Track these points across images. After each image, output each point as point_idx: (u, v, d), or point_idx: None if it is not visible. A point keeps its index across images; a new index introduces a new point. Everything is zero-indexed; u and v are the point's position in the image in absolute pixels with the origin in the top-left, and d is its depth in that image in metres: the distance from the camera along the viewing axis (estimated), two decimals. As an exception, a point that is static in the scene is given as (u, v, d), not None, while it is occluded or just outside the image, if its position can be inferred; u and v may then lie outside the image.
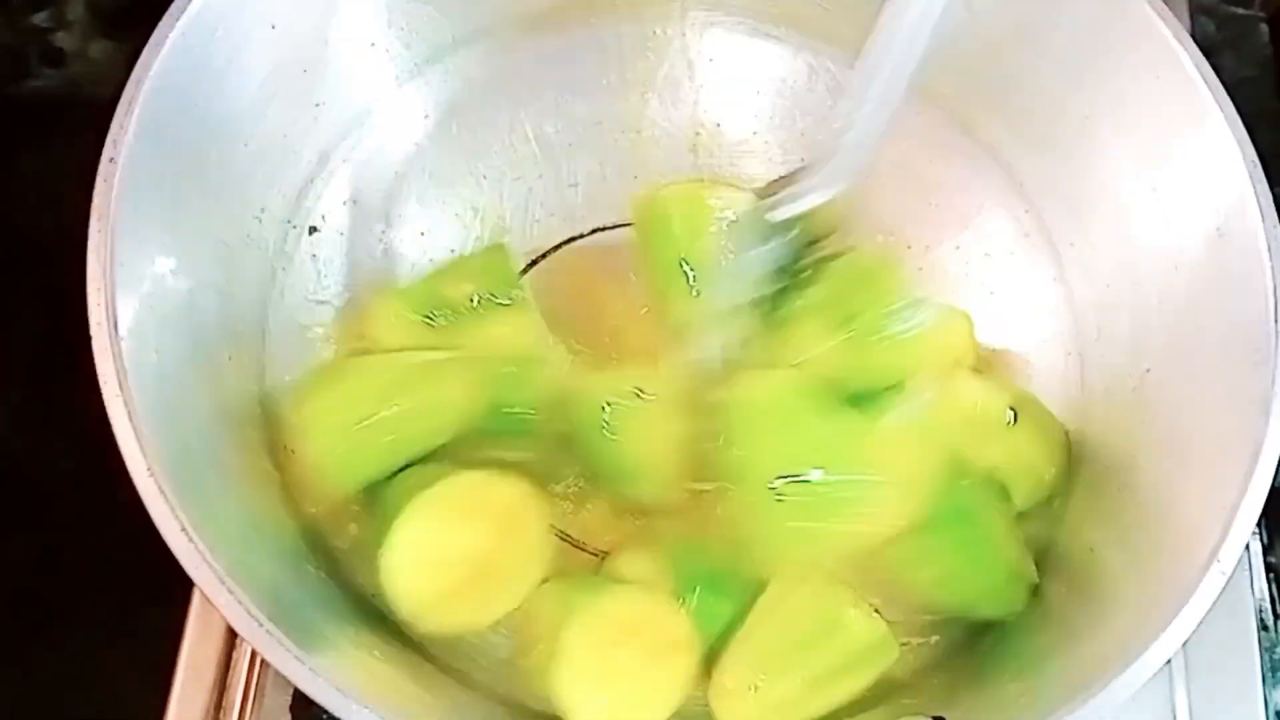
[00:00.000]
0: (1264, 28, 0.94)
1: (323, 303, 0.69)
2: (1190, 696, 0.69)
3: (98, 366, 0.53)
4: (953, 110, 0.72)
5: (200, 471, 0.55)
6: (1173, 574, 0.56)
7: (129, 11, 0.94)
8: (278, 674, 0.66)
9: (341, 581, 0.62)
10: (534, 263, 0.74)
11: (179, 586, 0.67)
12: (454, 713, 0.59)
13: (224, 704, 0.66)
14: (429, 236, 0.72)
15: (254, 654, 0.67)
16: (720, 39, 0.75)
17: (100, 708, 0.71)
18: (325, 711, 0.65)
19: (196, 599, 0.68)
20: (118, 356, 0.53)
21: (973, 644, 0.63)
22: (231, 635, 0.67)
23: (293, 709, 0.67)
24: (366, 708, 0.49)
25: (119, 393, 0.52)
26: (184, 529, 0.50)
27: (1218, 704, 0.69)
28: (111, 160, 0.56)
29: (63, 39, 0.94)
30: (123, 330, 0.53)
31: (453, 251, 0.73)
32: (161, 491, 0.51)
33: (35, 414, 0.78)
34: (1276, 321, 0.58)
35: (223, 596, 0.50)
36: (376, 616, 0.61)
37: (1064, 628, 0.60)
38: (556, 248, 0.74)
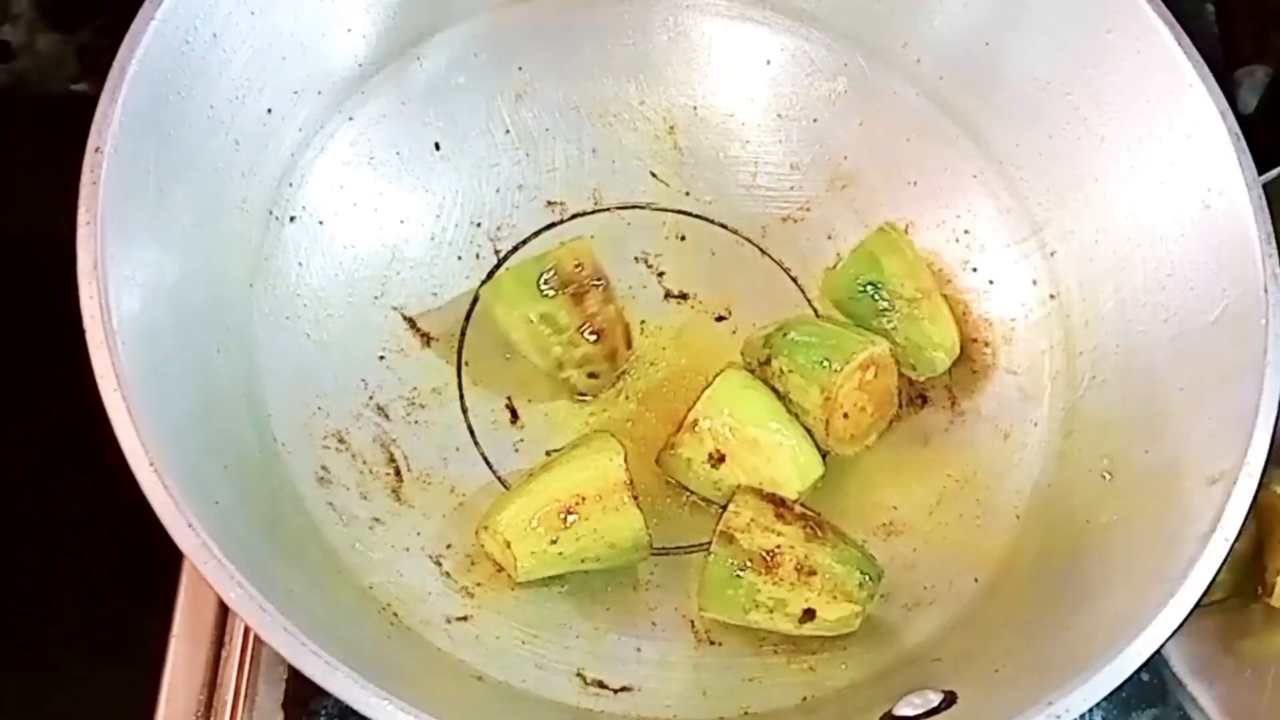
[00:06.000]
0: (1210, 8, 0.96)
1: (301, 295, 0.68)
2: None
3: (93, 361, 0.51)
4: (932, 90, 0.73)
5: (197, 464, 0.54)
6: (1174, 542, 0.57)
7: (75, 5, 0.93)
8: (269, 672, 0.67)
9: (343, 573, 0.61)
10: (514, 249, 0.73)
11: (164, 586, 0.67)
12: (462, 701, 0.58)
13: (215, 704, 0.65)
14: (408, 224, 0.72)
15: (244, 652, 0.66)
16: (697, 22, 0.75)
17: (88, 709, 0.70)
18: (323, 708, 0.65)
19: (182, 598, 0.67)
20: (114, 350, 0.51)
21: (978, 618, 0.63)
22: (220, 634, 0.67)
23: (285, 706, 0.66)
24: (385, 699, 0.48)
25: (117, 387, 0.51)
26: (190, 524, 0.49)
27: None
28: (97, 150, 0.54)
29: (8, 33, 0.92)
30: (116, 323, 0.52)
31: (432, 239, 0.72)
32: (164, 486, 0.50)
33: (14, 415, 0.77)
34: (1267, 290, 0.59)
35: (234, 592, 0.49)
36: (378, 607, 0.60)
37: (1068, 599, 0.60)
38: (536, 234, 0.74)
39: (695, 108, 0.76)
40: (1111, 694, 0.53)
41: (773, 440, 0.66)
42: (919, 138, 0.74)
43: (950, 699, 0.57)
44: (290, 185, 0.67)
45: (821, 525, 0.64)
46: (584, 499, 0.62)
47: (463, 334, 0.71)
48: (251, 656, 0.66)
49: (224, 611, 0.67)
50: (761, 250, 0.75)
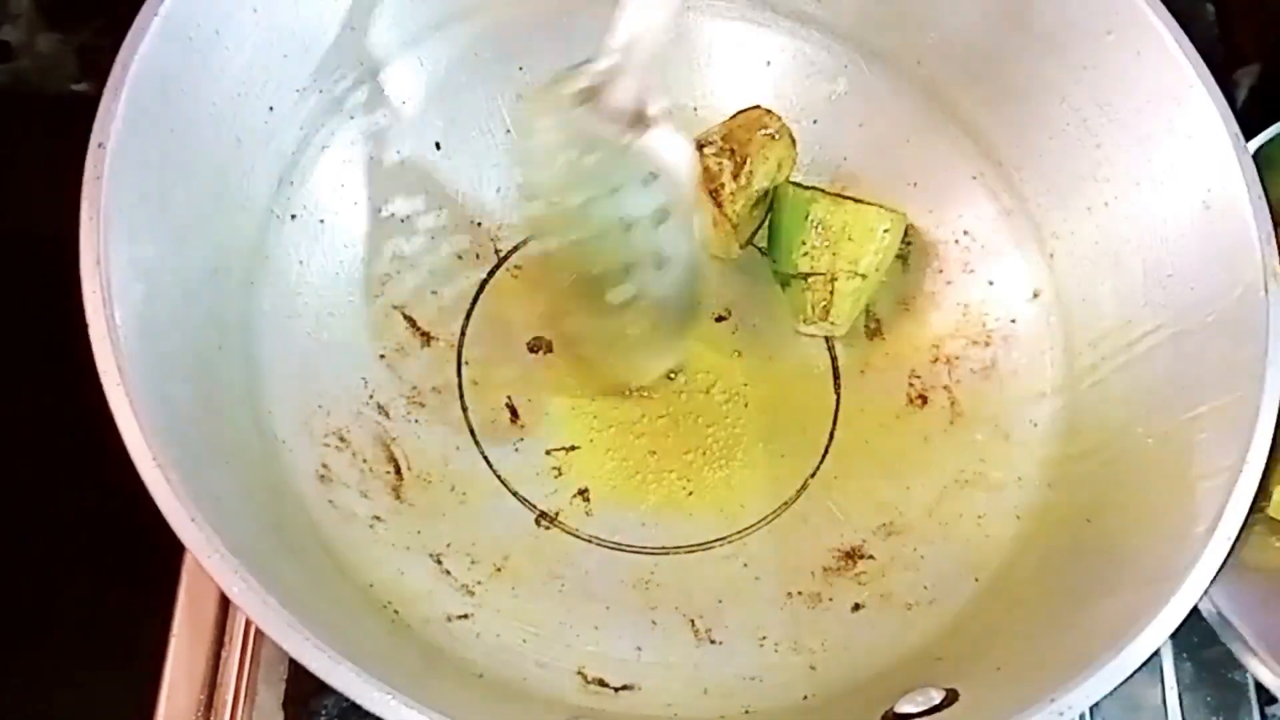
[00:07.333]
0: (1210, 8, 0.96)
1: (302, 293, 0.68)
2: (1177, 667, 0.70)
3: (96, 356, 0.51)
4: (933, 90, 0.73)
5: (200, 461, 0.54)
6: (1174, 541, 0.57)
7: (75, 5, 0.93)
8: (269, 672, 0.67)
9: (344, 571, 0.61)
10: (514, 249, 0.74)
11: (164, 586, 0.67)
12: (463, 699, 0.58)
13: (215, 703, 0.65)
14: (408, 223, 0.72)
15: (245, 652, 0.66)
16: (697, 23, 0.75)
17: (88, 709, 0.70)
18: (323, 707, 0.65)
19: (183, 598, 0.66)
20: (116, 345, 0.51)
21: (979, 617, 0.63)
22: (220, 634, 0.66)
23: (285, 706, 0.66)
24: (389, 694, 0.48)
25: (119, 381, 0.51)
26: (193, 518, 0.49)
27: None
28: (100, 145, 0.54)
29: (8, 33, 0.92)
30: (119, 319, 0.52)
31: (432, 238, 0.72)
32: (167, 480, 0.49)
33: (14, 413, 0.76)
34: (1267, 290, 0.59)
35: (237, 586, 0.49)
36: (379, 605, 0.60)
37: (1069, 598, 0.60)
38: (536, 234, 0.74)
39: (695, 108, 0.76)
40: (1112, 692, 0.53)
41: None
42: (919, 139, 0.74)
43: (952, 697, 0.56)
44: (291, 184, 0.67)
45: None
46: None
47: (463, 334, 0.71)
48: (252, 656, 0.66)
49: (224, 611, 0.67)
50: (761, 250, 0.75)
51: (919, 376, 0.73)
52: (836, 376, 0.73)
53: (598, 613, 0.65)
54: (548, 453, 0.69)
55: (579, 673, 0.62)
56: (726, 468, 0.70)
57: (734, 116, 0.73)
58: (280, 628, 0.48)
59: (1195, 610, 0.54)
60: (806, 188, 0.73)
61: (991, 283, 0.73)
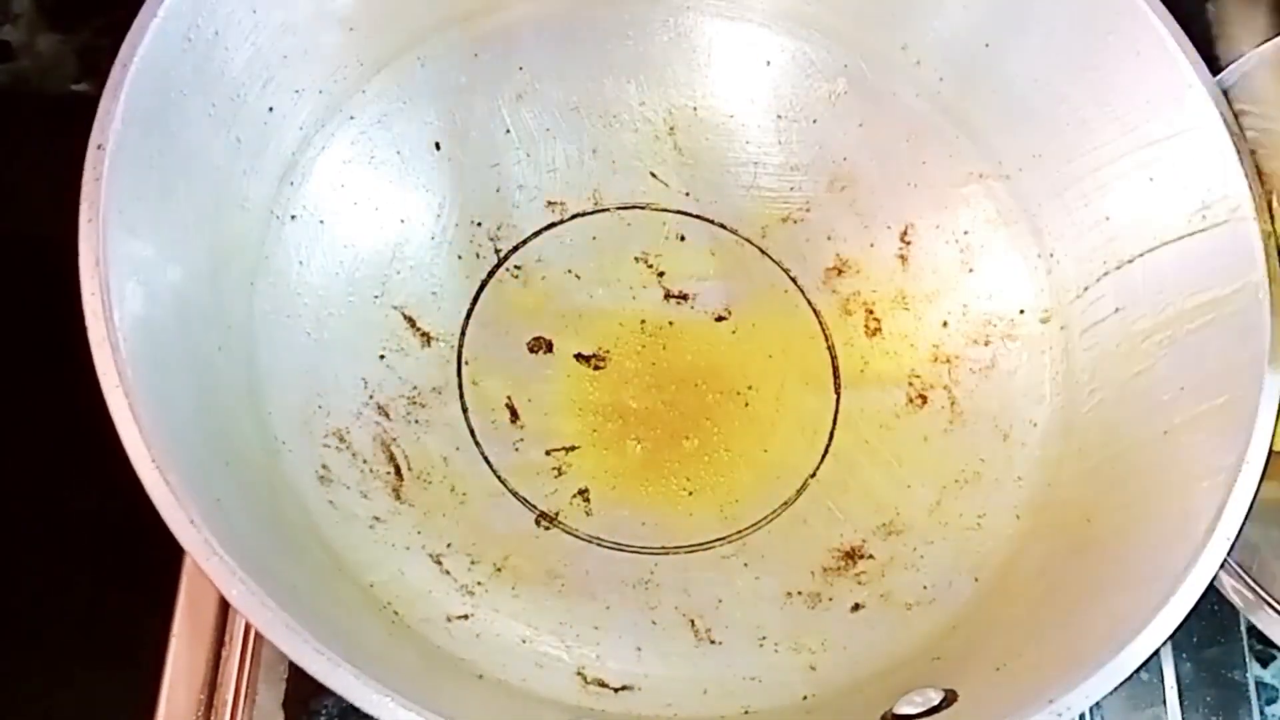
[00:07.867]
0: (1210, 8, 0.96)
1: (302, 293, 0.68)
2: (1177, 667, 0.70)
3: (95, 358, 0.51)
4: (932, 91, 0.73)
5: (199, 462, 0.54)
6: (1174, 541, 0.57)
7: (76, 5, 0.93)
8: (269, 672, 0.67)
9: (344, 571, 0.61)
10: (514, 249, 0.74)
11: (164, 586, 0.67)
12: (462, 699, 0.58)
13: (215, 704, 0.65)
14: (408, 224, 0.72)
15: (245, 652, 0.66)
16: (697, 23, 0.75)
17: (88, 709, 0.70)
18: (323, 707, 0.65)
19: (183, 598, 0.66)
20: (116, 347, 0.51)
21: (979, 617, 0.63)
22: (220, 634, 0.66)
23: (285, 706, 0.66)
24: (387, 696, 0.48)
25: (118, 384, 0.51)
26: (191, 521, 0.49)
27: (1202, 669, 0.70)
28: (100, 147, 0.54)
29: (8, 33, 0.92)
30: (118, 320, 0.52)
31: (432, 238, 0.72)
32: (166, 482, 0.49)
33: (13, 414, 0.76)
34: (1267, 290, 0.59)
35: (236, 589, 0.49)
36: (379, 605, 0.60)
37: (1068, 598, 0.60)
38: (536, 234, 0.74)
39: (695, 108, 0.76)
40: (1111, 693, 0.53)
41: None
42: (918, 139, 0.74)
43: (951, 697, 0.57)
44: (291, 184, 0.67)
45: None
46: None
47: (463, 334, 0.71)
48: (252, 656, 0.66)
49: (224, 611, 0.67)
50: (761, 250, 0.75)
51: (919, 376, 0.73)
52: (836, 376, 0.73)
53: (598, 613, 0.65)
54: (548, 453, 0.69)
55: (579, 673, 0.62)
56: (727, 467, 0.70)
57: None
58: (280, 630, 0.48)
59: (1195, 610, 0.54)
60: None
61: (991, 282, 0.72)
